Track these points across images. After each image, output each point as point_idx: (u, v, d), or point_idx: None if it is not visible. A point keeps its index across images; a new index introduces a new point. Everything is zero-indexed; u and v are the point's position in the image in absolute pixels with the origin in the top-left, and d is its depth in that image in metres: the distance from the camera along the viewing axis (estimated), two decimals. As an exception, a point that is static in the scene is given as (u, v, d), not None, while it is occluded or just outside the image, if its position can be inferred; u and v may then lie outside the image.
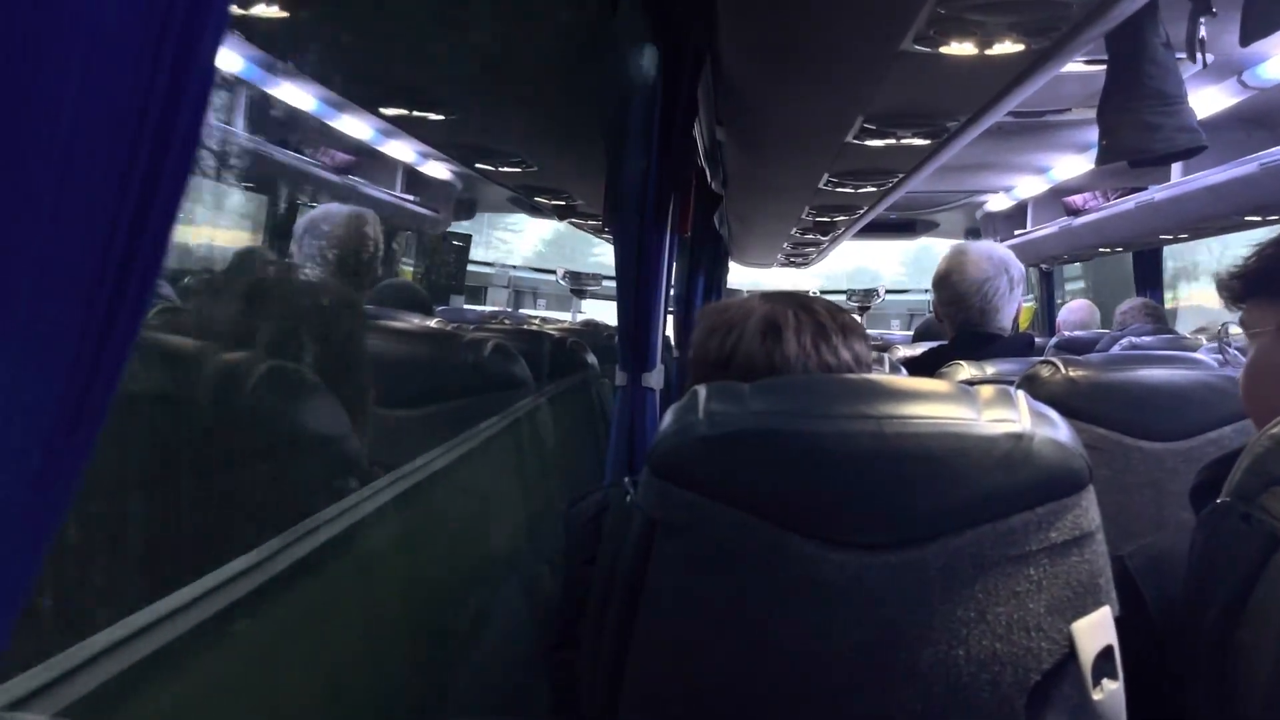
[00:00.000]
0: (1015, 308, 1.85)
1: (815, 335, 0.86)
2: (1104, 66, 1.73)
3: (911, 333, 4.97)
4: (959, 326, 1.86)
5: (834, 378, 0.83)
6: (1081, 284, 5.92)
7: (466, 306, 5.33)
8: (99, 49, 0.24)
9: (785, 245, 5.25)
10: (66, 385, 0.25)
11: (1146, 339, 2.59)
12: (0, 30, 0.21)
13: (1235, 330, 0.99)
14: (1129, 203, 3.39)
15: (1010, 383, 1.28)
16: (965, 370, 1.58)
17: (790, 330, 0.86)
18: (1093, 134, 1.81)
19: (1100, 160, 1.76)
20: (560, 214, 4.34)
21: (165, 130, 0.26)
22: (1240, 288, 0.94)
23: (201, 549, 0.68)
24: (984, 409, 0.66)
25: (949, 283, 1.85)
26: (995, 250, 1.87)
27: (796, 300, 0.90)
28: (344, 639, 0.79)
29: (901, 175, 2.74)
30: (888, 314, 7.51)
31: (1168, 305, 4.67)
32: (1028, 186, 3.99)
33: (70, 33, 0.23)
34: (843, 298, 6.73)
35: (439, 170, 3.73)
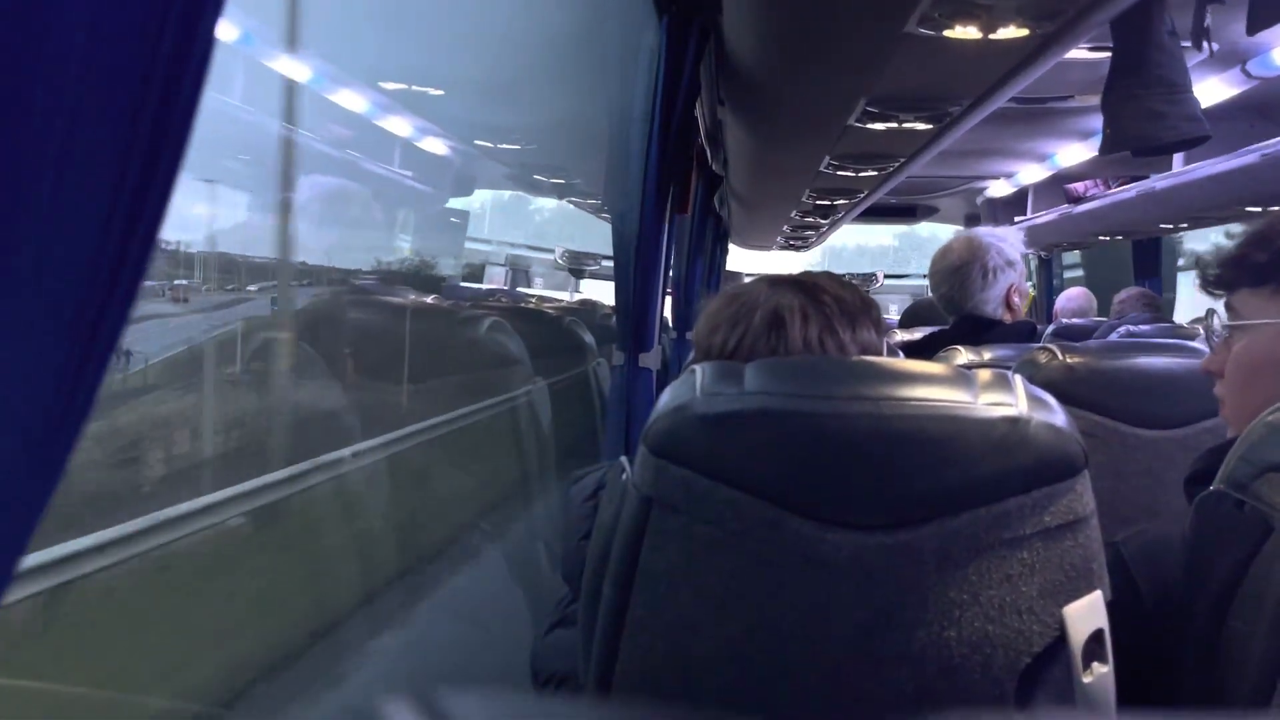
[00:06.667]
0: (999, 292, 1.85)
1: (822, 329, 0.85)
2: (1109, 53, 1.72)
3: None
4: (947, 310, 1.89)
5: (833, 359, 0.83)
6: (1080, 272, 5.92)
7: (463, 284, 5.32)
8: (100, 24, 0.23)
9: (785, 228, 5.24)
10: (64, 358, 0.25)
11: (1144, 327, 2.59)
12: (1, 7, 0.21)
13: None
14: (1130, 191, 3.38)
15: (1008, 368, 1.28)
16: (963, 355, 1.59)
17: (796, 326, 0.85)
18: (1095, 121, 1.80)
19: (1104, 149, 1.75)
20: (559, 191, 4.33)
21: (165, 106, 0.26)
22: (1238, 275, 0.93)
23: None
24: (981, 392, 0.66)
25: (933, 269, 1.91)
26: (980, 236, 1.89)
27: (803, 287, 0.88)
28: (336, 612, 0.80)
29: (903, 159, 2.73)
30: (885, 299, 7.54)
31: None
32: (1029, 173, 3.98)
33: (71, 7, 0.23)
34: None
35: (437, 146, 3.72)
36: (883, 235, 10.34)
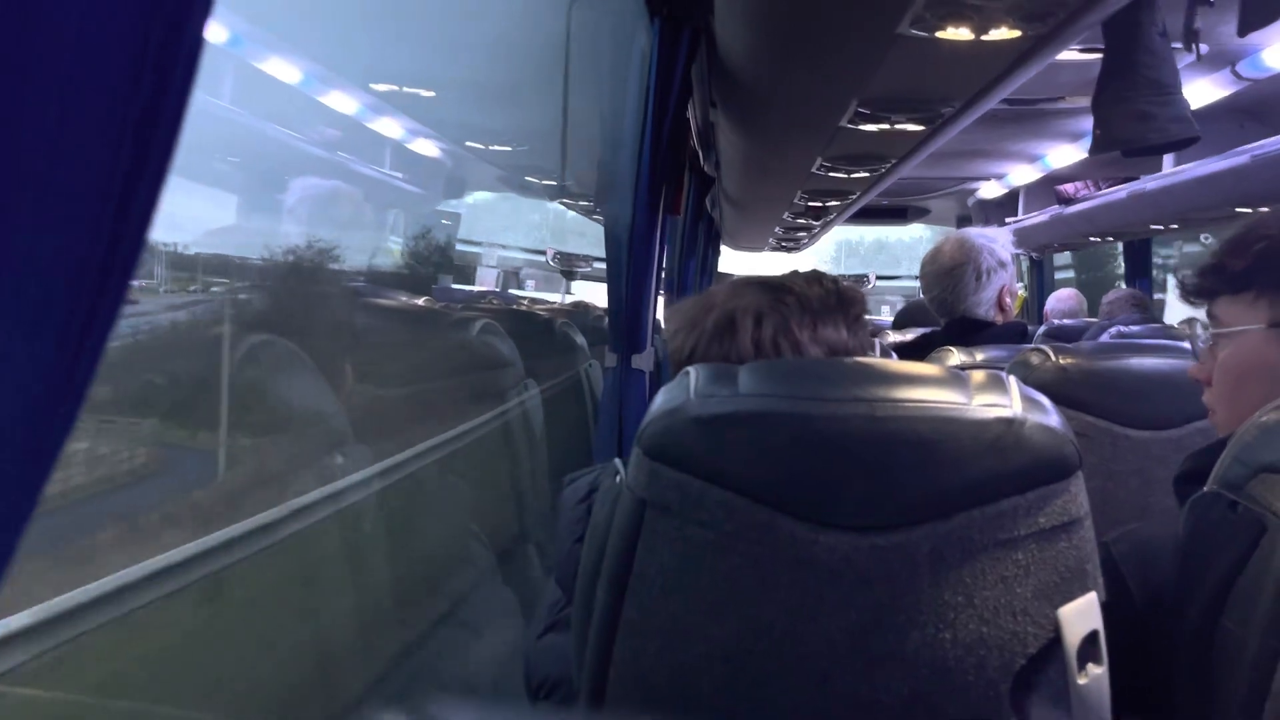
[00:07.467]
0: (992, 293, 1.85)
1: (776, 330, 0.82)
2: (1099, 55, 1.73)
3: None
4: (940, 312, 1.89)
5: (827, 360, 0.83)
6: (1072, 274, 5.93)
7: (455, 286, 5.30)
8: (87, 23, 0.23)
9: (777, 229, 5.25)
10: (53, 360, 0.25)
11: (1134, 328, 2.60)
12: None
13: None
14: (1121, 192, 3.40)
15: (1000, 369, 1.28)
16: (955, 356, 1.59)
17: (746, 330, 0.82)
18: (1086, 122, 1.81)
19: (1094, 150, 1.76)
20: (551, 194, 4.33)
21: (154, 107, 0.26)
22: (1216, 283, 0.93)
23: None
24: (975, 394, 0.66)
25: (924, 270, 1.91)
26: (971, 237, 1.89)
27: (769, 288, 0.85)
28: (332, 616, 0.79)
29: (895, 161, 2.74)
30: (878, 300, 7.57)
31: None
32: (1020, 174, 4.00)
33: (57, 7, 0.22)
34: None
35: (428, 148, 3.70)
36: (911, 228, 9.29)
